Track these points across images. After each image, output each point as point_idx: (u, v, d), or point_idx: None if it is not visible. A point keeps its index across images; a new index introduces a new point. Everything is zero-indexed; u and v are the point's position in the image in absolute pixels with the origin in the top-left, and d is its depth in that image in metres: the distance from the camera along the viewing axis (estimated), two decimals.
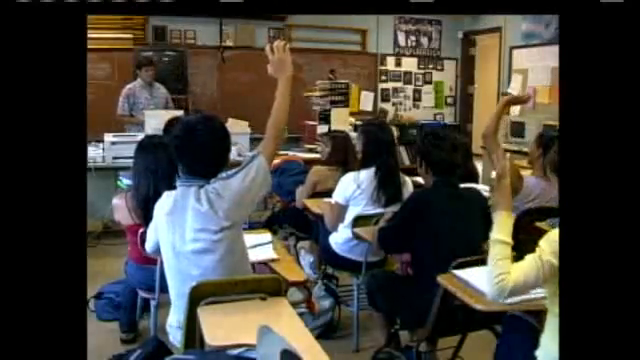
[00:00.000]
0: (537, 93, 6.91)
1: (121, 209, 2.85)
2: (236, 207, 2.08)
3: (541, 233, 1.81)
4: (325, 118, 5.90)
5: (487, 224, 2.70)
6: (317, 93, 6.10)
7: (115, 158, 4.70)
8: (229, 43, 7.19)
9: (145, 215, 2.60)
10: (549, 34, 6.74)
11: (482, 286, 2.10)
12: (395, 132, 4.33)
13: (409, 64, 8.35)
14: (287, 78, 2.24)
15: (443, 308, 2.30)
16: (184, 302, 1.96)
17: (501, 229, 1.85)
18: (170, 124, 3.40)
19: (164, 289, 2.46)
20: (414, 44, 8.34)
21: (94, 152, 4.78)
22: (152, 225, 2.20)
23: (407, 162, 7.06)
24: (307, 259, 3.91)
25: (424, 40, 8.40)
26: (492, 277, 1.76)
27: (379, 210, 3.09)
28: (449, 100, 8.70)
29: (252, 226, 3.90)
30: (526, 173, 3.26)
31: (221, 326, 1.83)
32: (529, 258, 1.73)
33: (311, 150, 5.71)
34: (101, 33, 6.38)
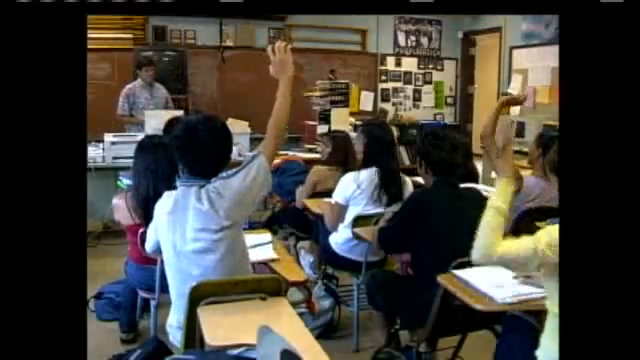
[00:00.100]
0: (537, 93, 6.91)
1: (121, 209, 2.85)
2: (237, 206, 2.08)
3: None
4: (325, 118, 5.90)
5: None
6: (317, 93, 6.10)
7: (115, 158, 4.70)
8: (229, 43, 7.19)
9: (145, 215, 2.61)
10: (549, 34, 6.74)
11: (482, 286, 2.11)
12: (395, 132, 4.32)
13: (409, 64, 8.35)
14: (288, 79, 2.25)
15: (443, 308, 2.30)
16: (184, 302, 1.96)
17: (499, 195, 1.85)
18: (170, 124, 3.40)
19: (164, 289, 2.46)
20: (414, 44, 8.34)
21: (94, 152, 4.78)
22: (152, 225, 2.21)
23: (407, 162, 7.06)
24: (307, 259, 3.91)
25: (424, 40, 8.40)
26: (481, 243, 1.78)
27: (379, 210, 3.09)
28: (449, 100, 8.70)
29: (252, 226, 3.89)
30: (526, 173, 3.26)
31: (221, 326, 1.83)
32: (526, 239, 1.73)
33: (311, 150, 5.71)
34: (101, 33, 6.38)
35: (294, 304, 2.34)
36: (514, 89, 7.20)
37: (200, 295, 1.94)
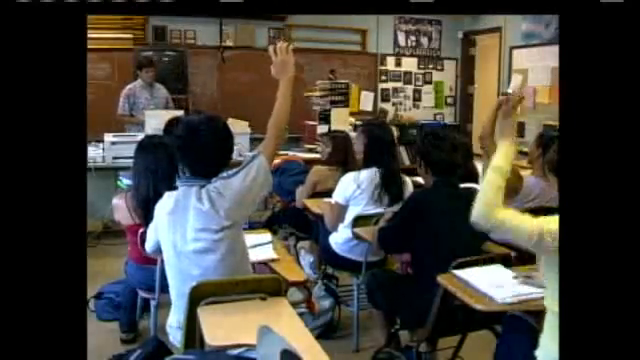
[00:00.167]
0: (537, 93, 6.91)
1: (121, 209, 2.85)
2: (237, 206, 2.08)
3: None
4: (325, 118, 5.90)
5: None
6: (317, 93, 6.10)
7: (115, 158, 4.70)
8: (229, 43, 7.19)
9: (145, 215, 2.61)
10: (549, 34, 6.74)
11: (482, 286, 2.11)
12: (395, 132, 4.32)
13: (409, 64, 8.35)
14: (288, 79, 2.24)
15: (443, 308, 2.30)
16: (184, 302, 1.96)
17: (501, 156, 1.87)
18: (170, 124, 3.40)
19: (164, 289, 2.46)
20: (414, 44, 8.33)
21: (94, 152, 4.78)
22: (152, 225, 2.21)
23: (407, 162, 7.06)
24: (307, 259, 3.91)
25: (424, 40, 8.40)
26: (482, 202, 1.79)
27: (379, 210, 3.09)
28: (449, 100, 8.70)
29: (252, 226, 3.90)
30: (526, 173, 3.26)
31: (221, 326, 1.83)
32: (531, 218, 1.73)
33: (311, 150, 5.71)
34: (101, 33, 6.37)
35: (294, 304, 2.34)
36: (514, 89, 7.19)
37: (200, 295, 1.94)
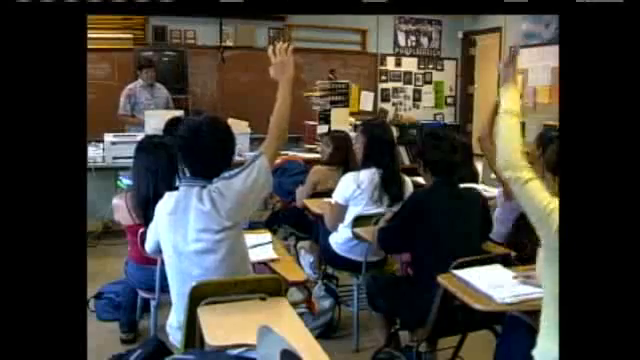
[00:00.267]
0: (537, 93, 6.91)
1: (121, 209, 2.85)
2: (238, 207, 2.07)
3: None
4: (325, 118, 5.90)
5: (487, 224, 2.72)
6: (317, 93, 6.10)
7: (115, 158, 4.70)
8: (229, 43, 7.19)
9: (145, 215, 2.60)
10: (549, 34, 6.74)
11: (482, 286, 2.11)
12: (395, 132, 4.33)
13: (409, 64, 8.36)
14: (288, 79, 2.23)
15: (443, 308, 2.30)
16: (184, 302, 1.96)
17: (509, 99, 1.90)
18: (170, 124, 3.40)
19: (164, 289, 2.46)
20: (414, 44, 8.34)
21: (94, 152, 4.77)
22: (152, 225, 2.21)
23: (407, 162, 7.05)
24: (307, 259, 3.91)
25: (424, 40, 8.40)
26: (512, 148, 1.80)
27: (379, 210, 3.09)
28: (449, 100, 8.71)
29: (252, 226, 3.88)
30: None
31: (221, 326, 1.83)
32: (548, 196, 1.72)
33: (311, 150, 5.71)
34: (101, 33, 6.38)
35: (294, 304, 2.35)
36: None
37: (200, 295, 1.94)
